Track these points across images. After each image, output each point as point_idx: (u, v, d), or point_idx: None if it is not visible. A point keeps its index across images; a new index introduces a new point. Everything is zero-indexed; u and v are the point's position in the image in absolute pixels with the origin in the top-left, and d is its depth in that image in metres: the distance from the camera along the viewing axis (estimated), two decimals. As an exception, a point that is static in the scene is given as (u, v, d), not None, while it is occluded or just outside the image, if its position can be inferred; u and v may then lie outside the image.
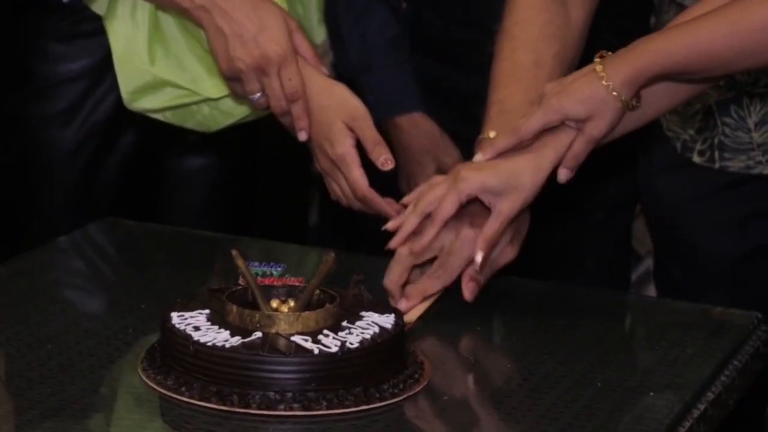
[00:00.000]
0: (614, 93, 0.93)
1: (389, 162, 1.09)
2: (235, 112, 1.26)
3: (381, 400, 0.79)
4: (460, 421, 0.82)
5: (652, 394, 0.84)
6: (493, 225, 0.95)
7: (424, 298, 0.98)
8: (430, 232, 0.96)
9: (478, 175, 0.96)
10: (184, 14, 1.14)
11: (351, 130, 1.09)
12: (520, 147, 0.97)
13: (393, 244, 0.97)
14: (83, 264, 1.16)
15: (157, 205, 1.43)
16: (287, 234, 1.55)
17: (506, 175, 0.96)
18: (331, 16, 1.44)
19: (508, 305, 1.05)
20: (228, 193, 1.47)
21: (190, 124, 1.26)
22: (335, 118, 1.10)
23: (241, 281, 0.89)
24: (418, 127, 1.43)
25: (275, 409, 0.77)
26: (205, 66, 1.22)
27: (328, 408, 0.78)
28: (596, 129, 0.95)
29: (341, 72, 1.48)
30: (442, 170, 1.33)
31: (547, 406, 0.82)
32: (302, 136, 1.13)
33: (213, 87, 1.21)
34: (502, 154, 0.97)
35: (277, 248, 1.15)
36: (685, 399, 0.84)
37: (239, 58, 1.08)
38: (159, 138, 1.33)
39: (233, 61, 1.09)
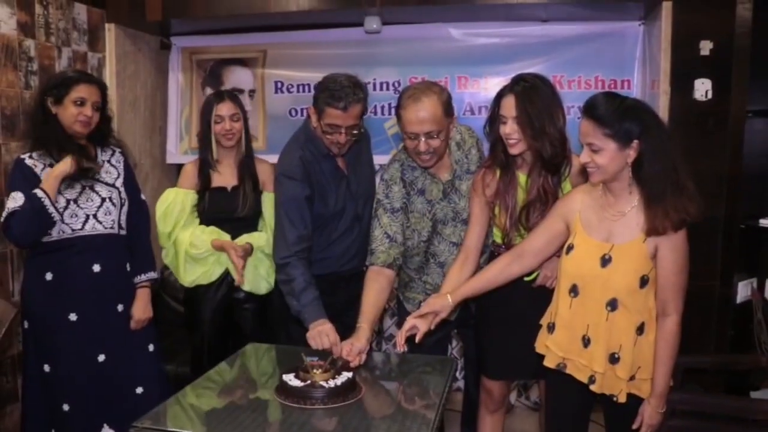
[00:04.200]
0: (451, 304, 2.47)
1: None
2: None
3: (347, 400, 2.24)
4: (381, 405, 2.28)
5: (429, 389, 2.32)
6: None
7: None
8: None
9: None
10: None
11: None
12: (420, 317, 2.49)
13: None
14: (247, 365, 2.67)
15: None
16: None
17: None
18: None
19: (382, 365, 2.56)
20: (264, 319, 3.13)
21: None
22: None
23: (304, 363, 2.37)
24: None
25: (315, 405, 2.21)
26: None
27: (332, 404, 2.22)
28: (440, 317, 2.48)
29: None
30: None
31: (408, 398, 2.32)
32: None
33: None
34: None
35: (311, 350, 2.58)
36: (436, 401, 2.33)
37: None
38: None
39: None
